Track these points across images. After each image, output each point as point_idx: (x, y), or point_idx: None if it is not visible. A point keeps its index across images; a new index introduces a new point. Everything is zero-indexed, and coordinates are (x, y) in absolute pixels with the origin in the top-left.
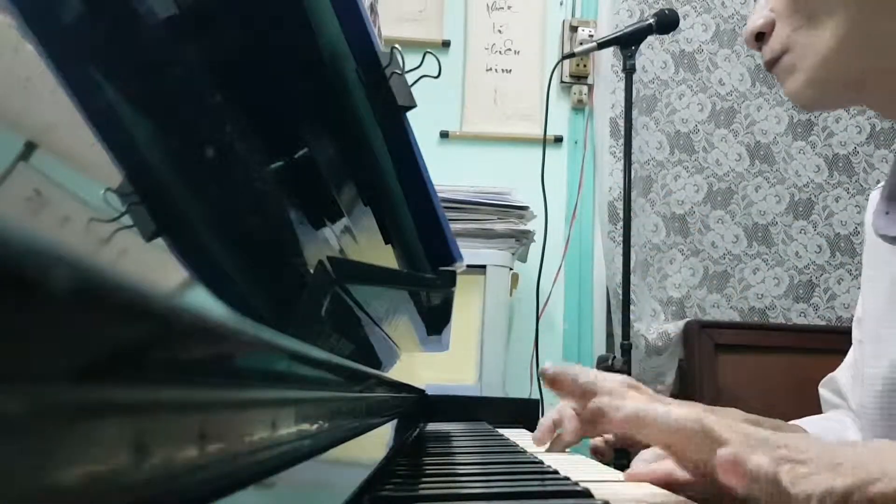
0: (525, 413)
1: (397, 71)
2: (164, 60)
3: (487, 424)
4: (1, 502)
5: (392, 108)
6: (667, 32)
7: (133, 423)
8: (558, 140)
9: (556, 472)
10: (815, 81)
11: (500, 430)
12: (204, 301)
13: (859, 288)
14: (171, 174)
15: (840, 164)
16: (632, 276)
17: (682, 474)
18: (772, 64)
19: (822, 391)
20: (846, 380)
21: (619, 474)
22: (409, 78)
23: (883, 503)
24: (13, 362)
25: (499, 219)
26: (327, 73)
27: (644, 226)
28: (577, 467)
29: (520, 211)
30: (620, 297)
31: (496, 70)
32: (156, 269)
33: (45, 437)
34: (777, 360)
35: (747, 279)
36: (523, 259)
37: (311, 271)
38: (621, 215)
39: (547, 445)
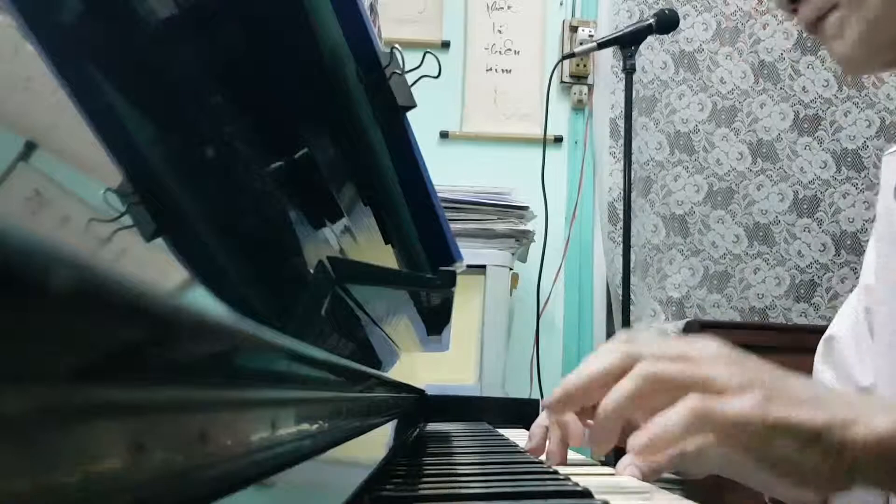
0: (525, 413)
1: (397, 71)
2: (164, 61)
3: (487, 424)
4: (1, 502)
5: (392, 108)
6: (667, 32)
7: (133, 423)
8: (558, 140)
9: (555, 472)
10: (865, 41)
11: (500, 430)
12: (204, 301)
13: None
14: (172, 174)
15: (849, 160)
16: (632, 277)
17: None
18: (815, 24)
19: (821, 366)
20: (850, 349)
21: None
22: (409, 78)
23: (853, 447)
24: (13, 362)
25: (499, 219)
26: (327, 73)
27: (644, 226)
28: (580, 469)
29: (520, 211)
30: (620, 297)
31: (496, 70)
32: (156, 268)
33: (45, 437)
34: (777, 360)
35: (747, 279)
36: (523, 259)
37: (311, 271)
38: (621, 215)
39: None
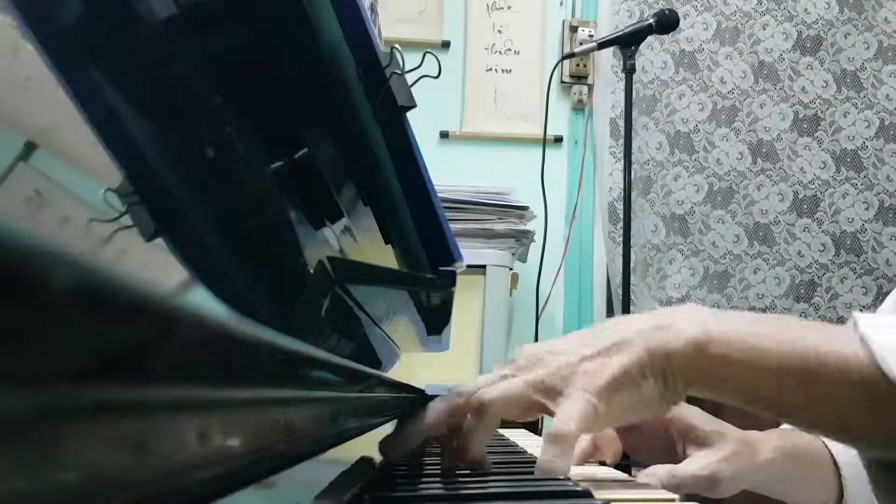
0: None
1: (397, 71)
2: (163, 61)
3: None
4: (1, 502)
5: (392, 108)
6: (667, 32)
7: (133, 423)
8: (558, 140)
9: None
10: None
11: (500, 430)
12: (204, 301)
13: (863, 287)
14: (171, 174)
15: (848, 160)
16: (632, 277)
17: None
18: None
19: None
20: None
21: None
22: (409, 78)
23: (671, 363)
24: (13, 362)
25: (499, 219)
26: (327, 74)
27: (644, 226)
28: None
29: (520, 211)
30: (620, 297)
31: (496, 70)
32: (156, 269)
33: (45, 437)
34: None
35: (748, 279)
36: (523, 259)
37: (311, 271)
38: (621, 215)
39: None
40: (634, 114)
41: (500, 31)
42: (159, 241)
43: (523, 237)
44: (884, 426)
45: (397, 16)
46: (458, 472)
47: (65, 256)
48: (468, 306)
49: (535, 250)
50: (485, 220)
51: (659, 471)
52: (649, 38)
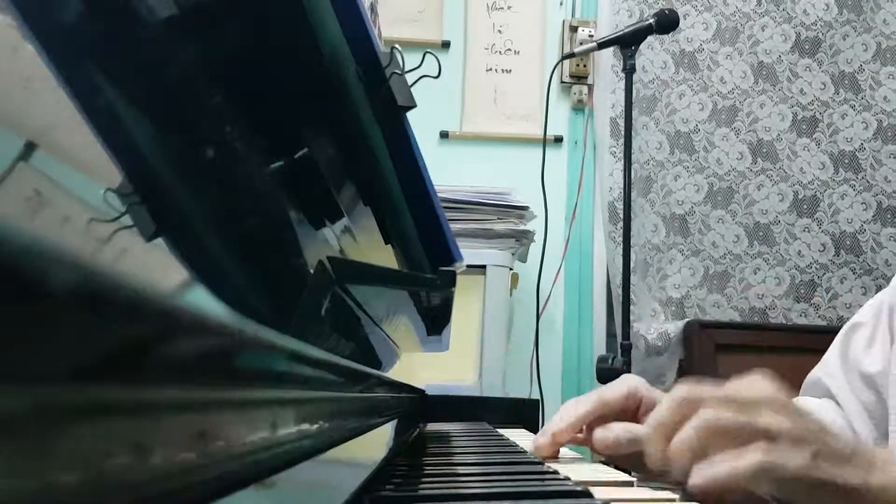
0: (525, 413)
1: (397, 71)
2: (163, 60)
3: (487, 424)
4: (1, 502)
5: (392, 108)
6: (667, 32)
7: (133, 423)
8: (558, 140)
9: (555, 472)
10: None
11: (500, 430)
12: (204, 301)
13: (863, 287)
14: (171, 174)
15: (846, 161)
16: (632, 276)
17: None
18: None
19: (806, 398)
20: (840, 382)
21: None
22: (409, 78)
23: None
24: (13, 362)
25: (499, 219)
26: (327, 74)
27: (644, 226)
28: (579, 468)
29: (520, 211)
30: (620, 297)
31: (496, 70)
32: (156, 269)
33: (45, 437)
34: (777, 360)
35: (748, 279)
36: (523, 259)
37: (311, 271)
38: (621, 215)
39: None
40: (634, 114)
41: (500, 31)
42: (159, 241)
43: (523, 237)
44: None
45: (397, 16)
46: (458, 472)
47: (65, 256)
48: (468, 306)
49: (535, 250)
50: (485, 220)
51: (640, 430)
52: (649, 38)
